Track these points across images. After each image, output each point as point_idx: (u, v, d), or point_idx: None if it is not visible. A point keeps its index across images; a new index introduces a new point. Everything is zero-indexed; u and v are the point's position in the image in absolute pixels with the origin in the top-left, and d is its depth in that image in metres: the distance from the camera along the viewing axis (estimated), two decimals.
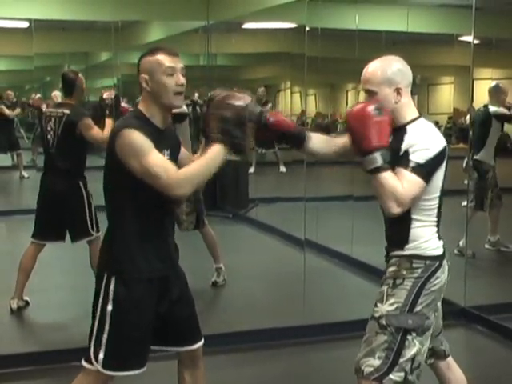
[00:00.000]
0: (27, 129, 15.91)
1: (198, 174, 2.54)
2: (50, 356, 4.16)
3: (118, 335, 2.65)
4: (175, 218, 5.45)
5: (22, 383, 4.01)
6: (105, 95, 5.26)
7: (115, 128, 2.66)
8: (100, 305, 2.66)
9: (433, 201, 2.68)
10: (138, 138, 2.53)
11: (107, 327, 2.64)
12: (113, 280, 2.64)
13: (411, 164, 2.57)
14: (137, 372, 2.72)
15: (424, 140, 2.62)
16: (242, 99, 2.53)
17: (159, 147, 2.59)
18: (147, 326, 2.69)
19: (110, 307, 2.64)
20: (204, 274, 5.81)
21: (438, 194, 2.68)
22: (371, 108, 2.57)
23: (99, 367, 2.67)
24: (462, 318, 4.87)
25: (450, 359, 2.96)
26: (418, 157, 2.58)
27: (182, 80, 2.64)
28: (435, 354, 2.90)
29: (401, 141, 2.64)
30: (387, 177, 2.55)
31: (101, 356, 2.66)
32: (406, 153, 2.59)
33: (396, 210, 2.56)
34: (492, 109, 6.61)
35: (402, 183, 2.55)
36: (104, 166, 2.69)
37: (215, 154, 2.53)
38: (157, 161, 2.52)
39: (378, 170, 2.55)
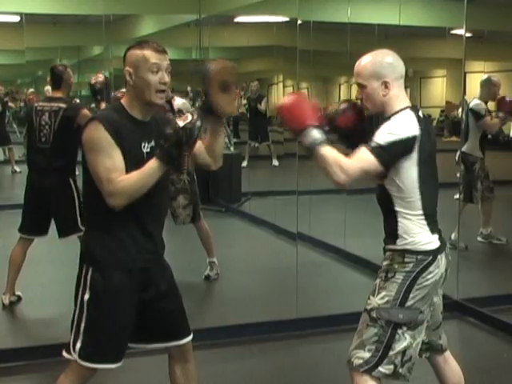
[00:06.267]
0: (19, 123, 15.86)
1: (134, 187, 2.54)
2: (41, 351, 4.14)
3: (93, 325, 2.65)
4: (171, 211, 5.44)
5: (14, 378, 4.00)
6: (92, 80, 5.11)
7: (89, 118, 2.67)
8: (80, 294, 2.67)
9: (412, 193, 2.65)
10: (99, 133, 2.54)
11: (85, 316, 2.65)
12: (90, 270, 2.65)
13: (372, 144, 2.60)
14: (113, 366, 2.70)
15: (392, 125, 2.64)
16: (186, 119, 2.53)
17: (136, 140, 2.61)
18: (125, 318, 2.68)
19: (86, 296, 2.65)
20: (197, 268, 5.80)
21: (417, 185, 2.65)
22: (296, 95, 2.69)
23: (76, 357, 2.66)
24: (454, 310, 4.87)
25: (447, 353, 2.96)
26: (380, 138, 2.60)
27: (166, 79, 2.62)
28: (431, 348, 2.90)
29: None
30: (328, 149, 2.60)
31: (78, 345, 2.66)
32: (373, 136, 2.63)
33: (340, 177, 2.57)
34: (473, 102, 6.59)
35: (353, 156, 2.60)
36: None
37: (151, 169, 2.54)
38: (105, 164, 2.52)
39: (317, 143, 2.59)
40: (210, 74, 2.67)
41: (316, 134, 2.60)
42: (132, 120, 2.64)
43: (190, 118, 2.53)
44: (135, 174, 2.55)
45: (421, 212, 2.68)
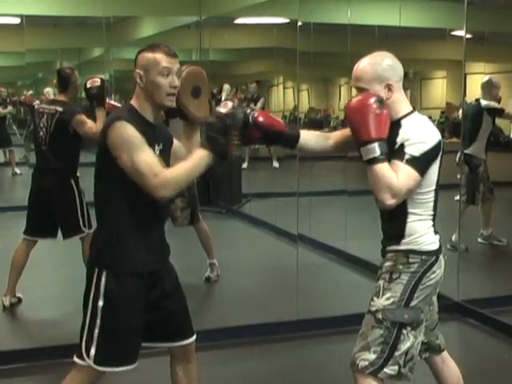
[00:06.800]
0: (20, 125, 15.86)
1: (182, 177, 2.57)
2: (42, 352, 4.15)
3: (109, 330, 2.64)
4: (169, 213, 5.45)
5: (15, 380, 3.99)
6: (88, 84, 4.96)
7: (108, 120, 2.66)
8: (91, 300, 2.65)
9: (428, 194, 2.68)
10: (130, 131, 2.54)
11: (98, 322, 2.63)
12: (104, 274, 2.63)
13: (406, 157, 2.57)
14: (128, 368, 2.71)
15: (419, 133, 2.62)
16: (227, 106, 2.57)
17: (150, 142, 2.60)
18: (138, 322, 2.68)
19: (101, 302, 2.63)
20: (197, 270, 5.80)
21: (434, 187, 2.68)
22: (373, 99, 2.58)
23: (91, 363, 2.66)
24: (455, 311, 4.87)
25: (445, 353, 2.96)
26: (414, 150, 2.58)
27: (176, 82, 2.64)
28: (430, 348, 2.90)
29: (396, 135, 2.64)
30: (384, 168, 2.55)
31: (92, 351, 2.65)
32: (402, 146, 2.60)
33: (390, 201, 2.55)
34: (484, 103, 6.61)
35: (397, 175, 2.55)
36: (95, 160, 2.69)
37: (200, 159, 2.57)
38: (146, 159, 2.53)
39: (376, 160, 2.55)
40: (180, 79, 2.69)
41: (378, 149, 2.54)
42: (145, 122, 2.65)
43: (230, 104, 2.57)
44: (183, 165, 2.58)
45: (431, 213, 2.70)
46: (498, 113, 6.65)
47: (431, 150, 2.60)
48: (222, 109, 2.56)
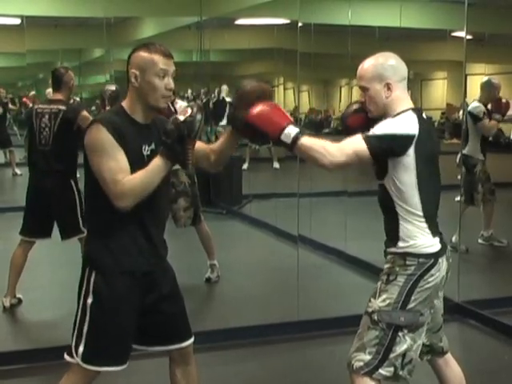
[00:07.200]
0: (20, 126, 15.86)
1: (141, 186, 2.53)
2: (42, 353, 4.14)
3: (97, 328, 2.63)
4: (172, 214, 5.44)
5: (15, 381, 3.99)
6: (106, 86, 5.66)
7: (91, 121, 2.67)
8: (82, 297, 2.66)
9: (410, 195, 2.65)
10: (102, 135, 2.52)
11: (87, 320, 2.63)
12: (93, 274, 2.64)
13: (368, 133, 2.61)
14: (117, 369, 2.69)
15: (392, 121, 2.65)
16: (185, 113, 2.52)
17: (137, 143, 2.60)
18: (130, 321, 2.67)
19: (90, 299, 2.63)
20: (198, 271, 5.80)
21: (415, 187, 2.64)
22: (262, 103, 2.62)
23: (79, 360, 2.65)
24: (455, 313, 4.86)
25: (448, 355, 2.96)
26: (377, 129, 2.61)
27: (172, 84, 2.62)
28: (432, 350, 2.90)
29: None
30: (309, 138, 2.59)
31: (80, 349, 2.64)
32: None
33: (327, 159, 2.57)
34: (471, 106, 6.59)
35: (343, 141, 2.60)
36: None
37: (157, 167, 2.54)
38: (111, 166, 2.51)
39: (298, 137, 2.58)
40: (247, 92, 2.65)
41: (294, 129, 2.59)
42: (133, 123, 2.63)
43: (189, 111, 2.52)
44: (140, 174, 2.53)
45: (421, 214, 2.67)
46: (475, 120, 6.49)
47: (395, 138, 2.59)
48: (181, 116, 2.51)
